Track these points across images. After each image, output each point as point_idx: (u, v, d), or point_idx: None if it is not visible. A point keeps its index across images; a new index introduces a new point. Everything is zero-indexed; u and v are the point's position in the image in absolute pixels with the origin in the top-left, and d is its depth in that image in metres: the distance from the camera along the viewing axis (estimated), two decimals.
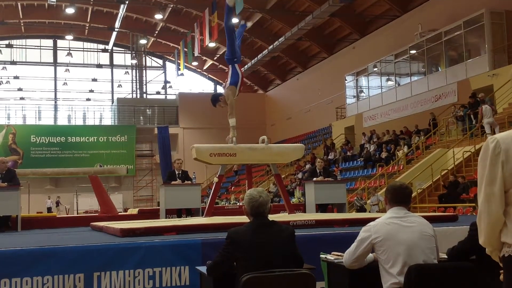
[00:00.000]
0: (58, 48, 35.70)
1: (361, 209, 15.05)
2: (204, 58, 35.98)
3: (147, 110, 34.96)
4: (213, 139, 24.25)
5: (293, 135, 32.53)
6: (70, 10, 27.23)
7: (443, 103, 19.36)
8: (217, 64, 36.53)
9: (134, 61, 35.85)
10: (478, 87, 17.72)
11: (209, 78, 38.53)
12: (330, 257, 4.05)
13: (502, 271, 2.33)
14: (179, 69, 28.66)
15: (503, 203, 2.23)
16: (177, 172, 10.17)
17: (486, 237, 2.29)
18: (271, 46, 27.46)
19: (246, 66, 31.42)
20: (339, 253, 3.98)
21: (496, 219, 2.24)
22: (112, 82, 36.51)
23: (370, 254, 3.56)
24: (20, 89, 34.69)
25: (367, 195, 16.59)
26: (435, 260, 3.45)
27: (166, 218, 9.44)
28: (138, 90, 36.35)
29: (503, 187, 2.23)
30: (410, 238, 3.40)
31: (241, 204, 12.69)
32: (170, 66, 36.52)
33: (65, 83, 35.24)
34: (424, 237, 3.45)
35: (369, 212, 14.80)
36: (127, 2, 25.44)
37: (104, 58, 36.28)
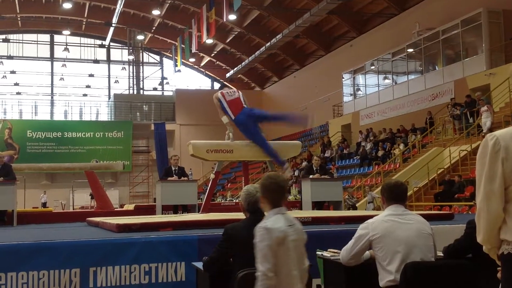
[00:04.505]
0: (55, 43, 35.57)
1: (353, 207, 15.02)
2: (202, 54, 35.93)
3: (144, 106, 34.88)
4: (209, 136, 24.21)
5: (290, 132, 32.46)
6: (67, 5, 27.08)
7: (440, 102, 19.37)
8: (214, 60, 36.47)
9: (131, 57, 35.74)
10: (475, 86, 17.75)
11: (206, 75, 38.47)
12: (326, 254, 4.06)
13: (499, 268, 2.33)
14: (176, 66, 28.61)
15: (503, 200, 2.22)
16: (173, 169, 10.15)
17: (485, 235, 2.28)
18: (268, 43, 27.42)
19: (243, 63, 31.38)
20: (336, 250, 3.98)
21: (495, 217, 2.22)
22: (109, 77, 36.42)
23: (367, 251, 3.56)
24: (16, 84, 34.57)
25: (363, 193, 16.59)
26: (432, 258, 3.45)
27: (162, 214, 9.43)
28: (135, 86, 36.28)
29: (503, 184, 2.22)
30: (408, 235, 3.40)
31: (237, 201, 12.68)
32: (167, 62, 36.45)
33: (61, 78, 35.14)
34: (422, 235, 3.45)
35: (365, 210, 14.80)
36: None
37: (101, 54, 36.15)
